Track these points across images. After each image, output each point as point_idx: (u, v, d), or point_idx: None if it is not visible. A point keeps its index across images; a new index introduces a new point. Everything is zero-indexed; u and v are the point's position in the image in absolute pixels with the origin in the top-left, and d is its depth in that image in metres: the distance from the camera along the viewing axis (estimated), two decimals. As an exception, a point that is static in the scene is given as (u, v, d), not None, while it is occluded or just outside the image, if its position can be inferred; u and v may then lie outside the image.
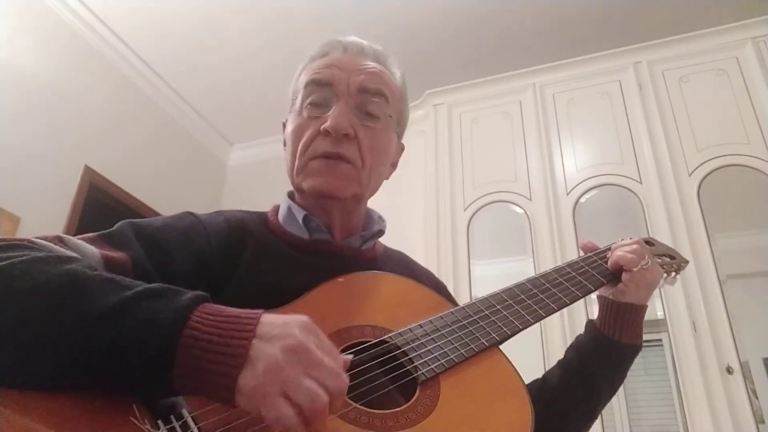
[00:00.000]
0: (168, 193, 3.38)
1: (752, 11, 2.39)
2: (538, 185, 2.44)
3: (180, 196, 3.47)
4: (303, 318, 0.47)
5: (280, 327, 0.46)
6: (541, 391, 0.78)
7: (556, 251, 2.27)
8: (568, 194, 2.39)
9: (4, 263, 0.47)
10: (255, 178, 3.84)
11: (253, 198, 3.68)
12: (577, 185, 2.38)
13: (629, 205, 2.29)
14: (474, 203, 2.52)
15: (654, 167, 2.27)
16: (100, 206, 2.90)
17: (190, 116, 3.66)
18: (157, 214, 3.16)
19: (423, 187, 2.64)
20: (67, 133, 2.81)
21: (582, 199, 2.36)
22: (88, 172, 2.87)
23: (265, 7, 2.92)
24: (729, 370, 1.87)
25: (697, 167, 2.23)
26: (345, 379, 0.46)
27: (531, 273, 2.39)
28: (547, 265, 2.23)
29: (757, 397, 1.86)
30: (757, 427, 1.78)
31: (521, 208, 2.44)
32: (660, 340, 2.09)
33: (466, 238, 2.45)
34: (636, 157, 2.34)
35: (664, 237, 2.13)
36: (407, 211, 2.62)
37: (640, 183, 2.29)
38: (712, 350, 1.91)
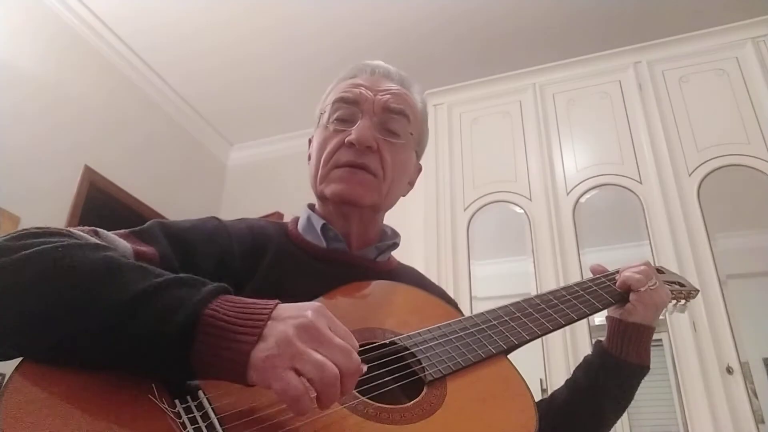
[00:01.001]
0: (168, 193, 3.38)
1: (752, 11, 2.39)
2: (538, 185, 2.44)
3: (180, 196, 3.47)
4: (316, 303, 0.50)
5: (294, 310, 0.49)
6: (548, 410, 0.79)
7: (556, 251, 2.27)
8: (568, 194, 2.39)
9: (47, 246, 0.50)
10: (255, 178, 3.85)
11: (252, 198, 3.71)
12: (577, 185, 2.39)
13: (629, 205, 2.29)
14: (474, 203, 2.52)
15: (654, 167, 2.27)
16: (100, 206, 2.90)
17: (190, 116, 3.66)
18: (157, 214, 3.16)
19: (423, 187, 2.64)
20: (67, 133, 2.81)
21: (582, 199, 2.36)
22: (88, 172, 2.87)
23: (267, 11, 2.92)
24: (729, 370, 1.87)
25: (697, 167, 2.23)
26: (357, 358, 0.48)
27: (531, 273, 2.39)
28: (547, 265, 2.25)
29: (757, 397, 1.86)
30: (757, 427, 1.78)
31: (521, 208, 2.44)
32: (660, 340, 2.09)
33: (466, 238, 2.46)
34: (636, 157, 2.35)
35: (664, 237, 2.14)
36: (407, 211, 2.62)
37: (640, 183, 2.29)
38: (712, 350, 1.91)
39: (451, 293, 0.89)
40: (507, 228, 2.57)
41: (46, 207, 2.64)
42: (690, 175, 2.22)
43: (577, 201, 2.36)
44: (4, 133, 2.49)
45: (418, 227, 2.56)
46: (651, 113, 2.39)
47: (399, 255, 0.91)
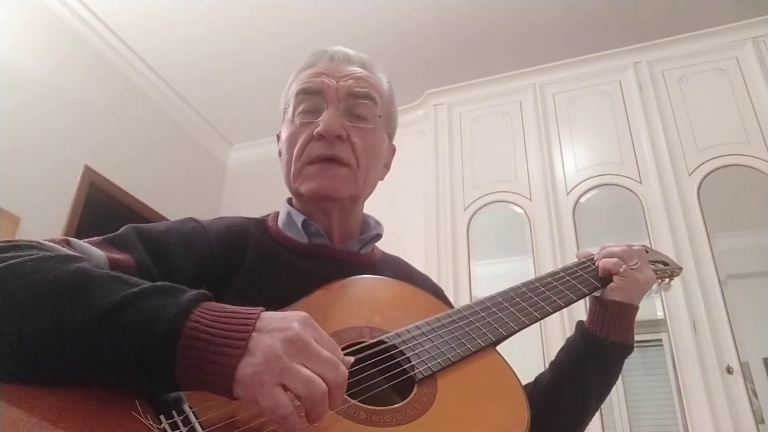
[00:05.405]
0: (168, 194, 3.38)
1: (752, 11, 2.39)
2: (538, 185, 2.44)
3: (180, 196, 3.47)
4: (302, 313, 0.49)
5: (279, 321, 0.47)
6: (532, 393, 0.78)
7: (556, 251, 2.27)
8: (568, 194, 2.39)
9: (15, 261, 0.48)
10: (255, 178, 3.84)
11: (252, 198, 3.71)
12: (577, 185, 2.39)
13: (629, 205, 2.29)
14: (474, 203, 2.52)
15: (654, 167, 2.27)
16: (101, 206, 2.90)
17: (190, 116, 3.67)
18: (157, 214, 3.16)
19: (423, 187, 2.64)
20: (67, 133, 2.81)
21: (582, 199, 2.36)
22: (89, 172, 2.88)
23: (268, 13, 2.92)
24: (729, 370, 1.87)
25: (697, 167, 2.23)
26: (344, 371, 0.47)
27: (531, 273, 2.41)
28: (547, 265, 2.25)
29: (757, 397, 1.86)
30: (757, 427, 1.78)
31: (521, 208, 2.44)
32: (660, 340, 2.09)
33: (466, 238, 2.46)
34: (636, 157, 2.35)
35: (664, 237, 2.14)
36: (407, 211, 2.62)
37: (640, 183, 2.29)
38: (712, 350, 1.91)
39: (451, 293, 0.88)
40: (507, 228, 2.57)
41: (47, 207, 2.65)
42: (690, 175, 2.22)
43: (577, 201, 2.36)
44: (5, 133, 2.50)
45: (418, 227, 2.56)
46: (651, 113, 2.39)
47: (400, 255, 0.91)
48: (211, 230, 0.71)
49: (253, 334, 0.45)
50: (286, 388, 0.43)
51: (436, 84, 2.84)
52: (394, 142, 0.88)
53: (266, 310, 0.49)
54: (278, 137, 0.83)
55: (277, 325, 0.46)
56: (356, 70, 0.79)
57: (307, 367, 0.44)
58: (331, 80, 0.77)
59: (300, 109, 0.77)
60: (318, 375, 0.44)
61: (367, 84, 0.79)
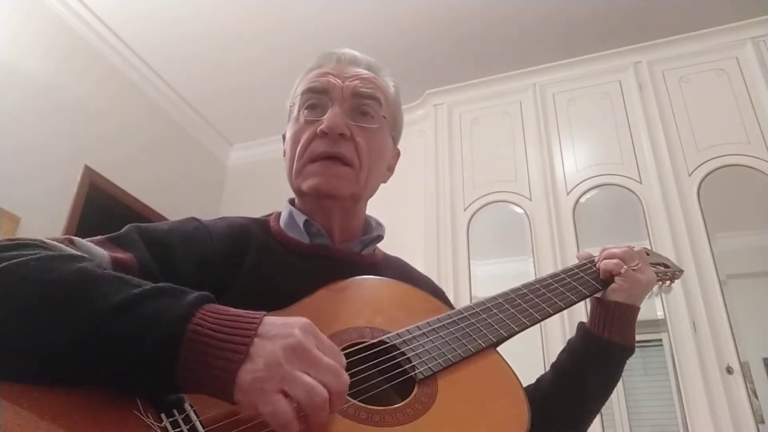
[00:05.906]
0: (168, 193, 3.38)
1: (752, 11, 2.39)
2: (538, 185, 2.44)
3: (180, 196, 3.47)
4: (303, 320, 0.48)
5: (281, 327, 0.47)
6: (534, 394, 0.78)
7: (556, 251, 2.27)
8: (568, 194, 2.39)
9: (19, 260, 0.48)
10: (255, 178, 3.84)
11: (252, 198, 3.71)
12: (577, 185, 2.39)
13: (629, 205, 2.29)
14: (474, 203, 2.52)
15: (654, 167, 2.27)
16: (101, 206, 2.90)
17: (190, 116, 3.67)
18: (157, 214, 3.16)
19: (423, 187, 2.64)
20: (67, 133, 2.81)
21: (582, 199, 2.36)
22: (89, 172, 2.87)
23: (267, 13, 2.92)
24: (729, 370, 1.87)
25: (697, 167, 2.23)
26: (345, 378, 0.47)
27: (531, 273, 2.39)
28: (547, 265, 2.25)
29: (757, 397, 1.86)
30: (757, 427, 1.78)
31: (521, 208, 2.44)
32: (660, 340, 2.09)
33: (466, 238, 2.46)
34: (636, 157, 2.35)
35: (664, 237, 2.14)
36: (407, 211, 2.62)
37: (640, 183, 2.29)
38: (712, 350, 1.91)
39: (451, 293, 0.88)
40: (507, 228, 2.57)
41: (47, 207, 2.65)
42: (690, 175, 2.22)
43: (577, 201, 2.36)
44: (5, 133, 2.49)
45: (418, 227, 2.56)
46: (651, 113, 2.39)
47: (400, 255, 0.91)
48: (213, 230, 0.71)
49: (255, 339, 0.45)
50: (286, 395, 0.43)
51: (436, 84, 2.84)
52: None
53: (268, 314, 0.48)
54: (284, 137, 0.83)
55: (279, 332, 0.46)
56: (363, 71, 0.80)
57: (308, 374, 0.44)
58: (337, 80, 0.77)
59: (305, 107, 0.78)
60: (319, 380, 0.44)
61: (373, 85, 0.79)
